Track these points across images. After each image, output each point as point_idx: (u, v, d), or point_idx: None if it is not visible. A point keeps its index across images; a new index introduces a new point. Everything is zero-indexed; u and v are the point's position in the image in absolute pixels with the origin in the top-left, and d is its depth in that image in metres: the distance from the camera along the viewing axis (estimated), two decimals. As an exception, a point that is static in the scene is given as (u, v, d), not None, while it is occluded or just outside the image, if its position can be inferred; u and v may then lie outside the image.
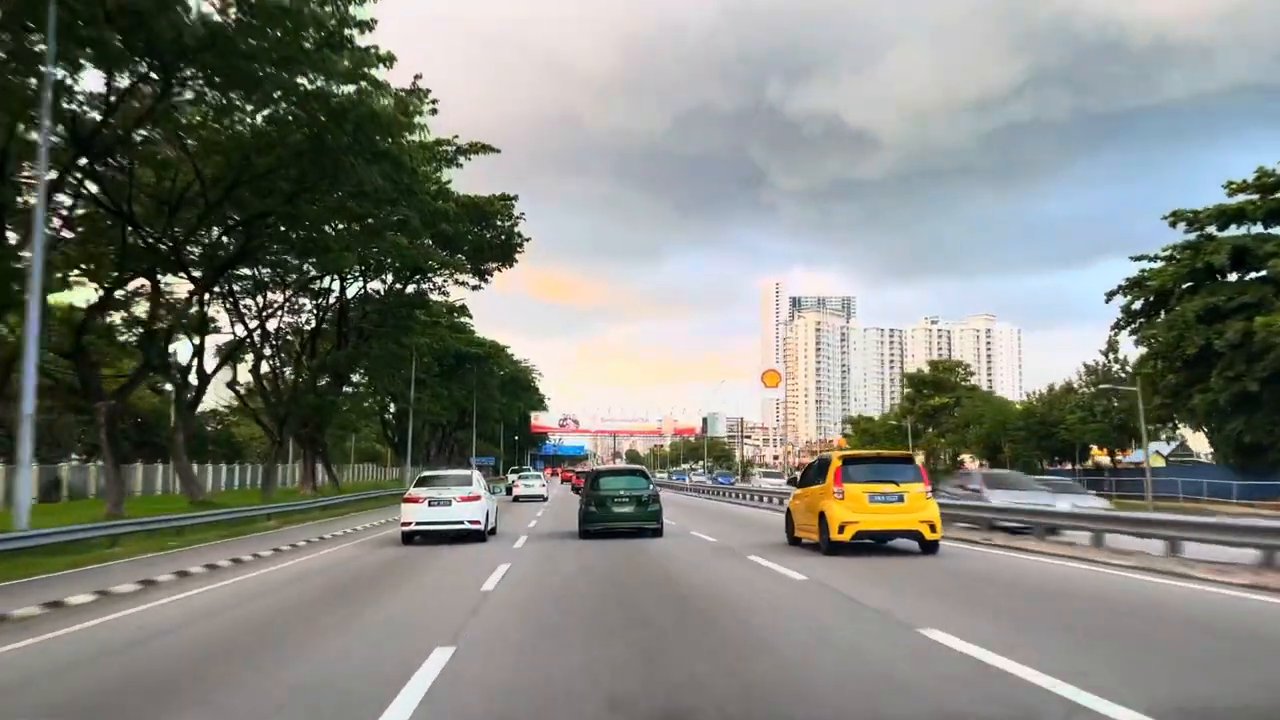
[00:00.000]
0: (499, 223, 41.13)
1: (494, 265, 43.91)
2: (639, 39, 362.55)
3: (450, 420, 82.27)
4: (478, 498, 18.35)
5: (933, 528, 14.58)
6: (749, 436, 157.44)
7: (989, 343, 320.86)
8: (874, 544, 15.40)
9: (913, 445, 62.37)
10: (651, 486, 19.33)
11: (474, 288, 46.58)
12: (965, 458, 59.75)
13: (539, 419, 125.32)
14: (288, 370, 43.12)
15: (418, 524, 17.93)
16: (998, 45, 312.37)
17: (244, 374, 41.30)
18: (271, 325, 42.04)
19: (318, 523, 27.47)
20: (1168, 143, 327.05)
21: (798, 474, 24.03)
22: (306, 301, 43.17)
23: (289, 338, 42.70)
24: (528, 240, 41.86)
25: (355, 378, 53.62)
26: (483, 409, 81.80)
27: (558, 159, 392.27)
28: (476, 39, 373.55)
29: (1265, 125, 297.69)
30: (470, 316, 65.28)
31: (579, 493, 22.70)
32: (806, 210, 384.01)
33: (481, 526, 18.15)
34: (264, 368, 40.68)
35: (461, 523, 17.82)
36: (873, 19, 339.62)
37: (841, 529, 14.51)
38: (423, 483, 18.96)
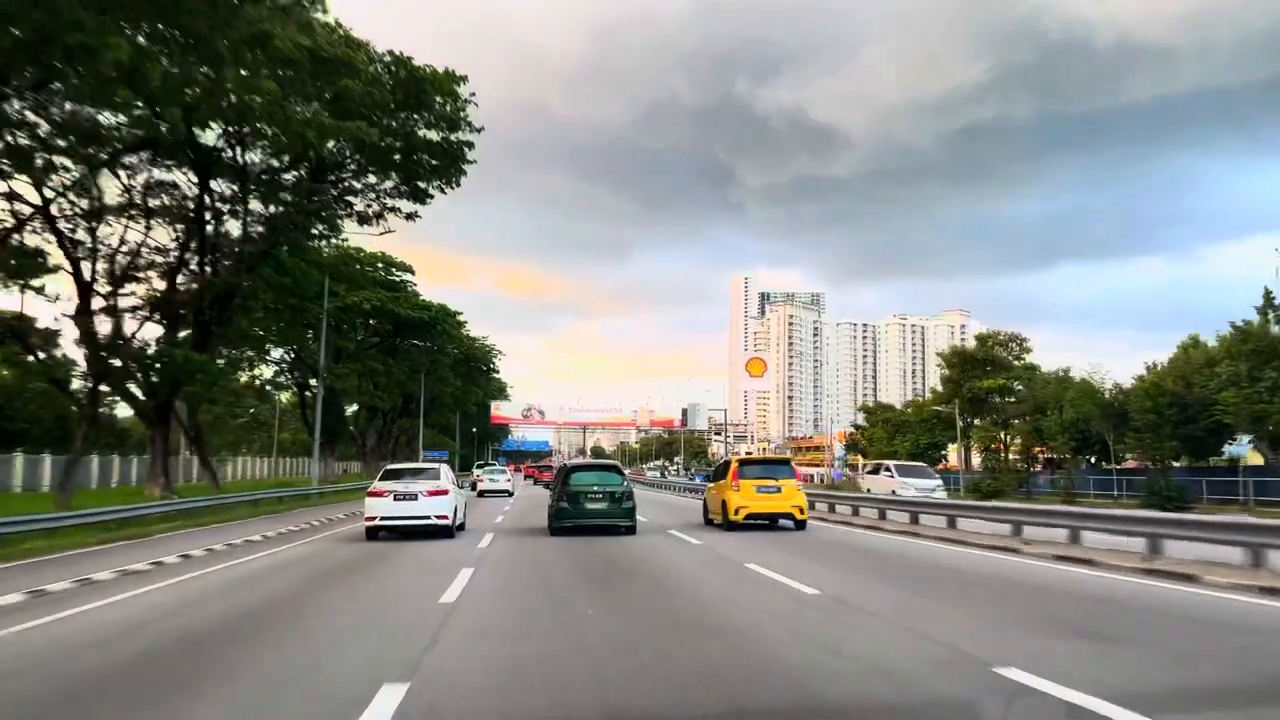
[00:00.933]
0: (440, 107, 28.15)
1: (434, 182, 31.02)
2: (608, 29, 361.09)
3: (393, 406, 68.93)
4: (445, 492, 17.48)
5: (801, 510, 19.96)
6: (718, 433, 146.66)
7: (963, 340, 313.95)
8: (766, 524, 20.33)
9: (963, 440, 51.13)
10: (625, 483, 18.94)
11: (409, 216, 33.53)
12: (1042, 452, 48.12)
13: (500, 409, 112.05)
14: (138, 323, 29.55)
15: (382, 519, 17.19)
16: (965, 44, 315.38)
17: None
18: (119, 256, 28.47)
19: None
20: (1130, 145, 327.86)
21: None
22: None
23: (136, 264, 28.75)
24: (479, 131, 29.00)
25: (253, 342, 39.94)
26: (432, 393, 68.63)
27: (525, 151, 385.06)
28: (444, 23, 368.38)
29: (1225, 128, 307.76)
30: (412, 274, 52.42)
31: (548, 488, 22.12)
32: (773, 208, 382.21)
33: (450, 522, 17.48)
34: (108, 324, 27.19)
35: (428, 518, 17.13)
36: (841, 16, 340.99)
37: (736, 511, 19.92)
38: (388, 476, 18.31)
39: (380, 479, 18.23)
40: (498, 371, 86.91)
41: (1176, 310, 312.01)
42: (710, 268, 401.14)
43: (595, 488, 18.29)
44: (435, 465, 19.53)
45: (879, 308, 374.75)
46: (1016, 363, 50.60)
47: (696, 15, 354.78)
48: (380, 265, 51.20)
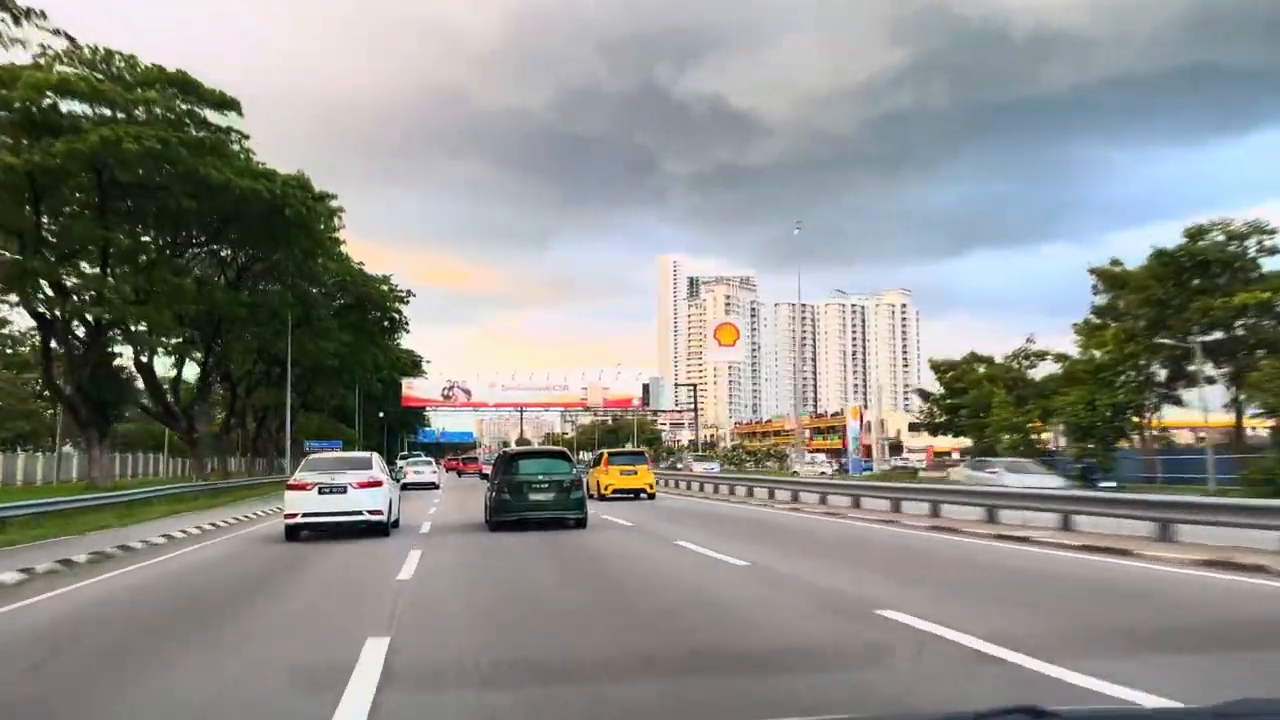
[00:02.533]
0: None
1: None
2: (528, 10, 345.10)
3: (250, 371, 45.49)
4: (379, 483, 15.67)
5: (651, 486, 29.15)
6: (661, 422, 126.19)
7: (904, 319, 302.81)
8: (629, 497, 27.86)
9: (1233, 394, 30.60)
10: (574, 470, 17.77)
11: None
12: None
13: (413, 389, 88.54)
14: None
15: (305, 515, 15.17)
16: (884, 30, 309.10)
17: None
18: None
19: None
20: (1044, 133, 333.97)
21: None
22: None
23: None
24: None
25: None
26: (307, 352, 45.41)
27: (442, 136, 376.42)
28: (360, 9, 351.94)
29: (1132, 117, 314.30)
30: (239, 114, 29.41)
31: (485, 479, 20.50)
32: (695, 197, 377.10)
33: (384, 517, 15.59)
34: None
35: (360, 513, 15.20)
36: (761, 1, 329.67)
37: (606, 488, 27.71)
38: (311, 466, 16.23)
39: (302, 469, 16.17)
40: (406, 327, 62.99)
41: (1079, 295, 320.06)
42: (633, 256, 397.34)
43: (541, 477, 16.81)
44: (366, 454, 17.63)
45: (803, 295, 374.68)
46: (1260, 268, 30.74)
47: None
48: (174, 90, 28.00)
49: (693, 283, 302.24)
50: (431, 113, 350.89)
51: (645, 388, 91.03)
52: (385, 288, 58.36)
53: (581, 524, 16.71)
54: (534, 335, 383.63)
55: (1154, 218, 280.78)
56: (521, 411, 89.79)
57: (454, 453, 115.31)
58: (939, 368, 46.31)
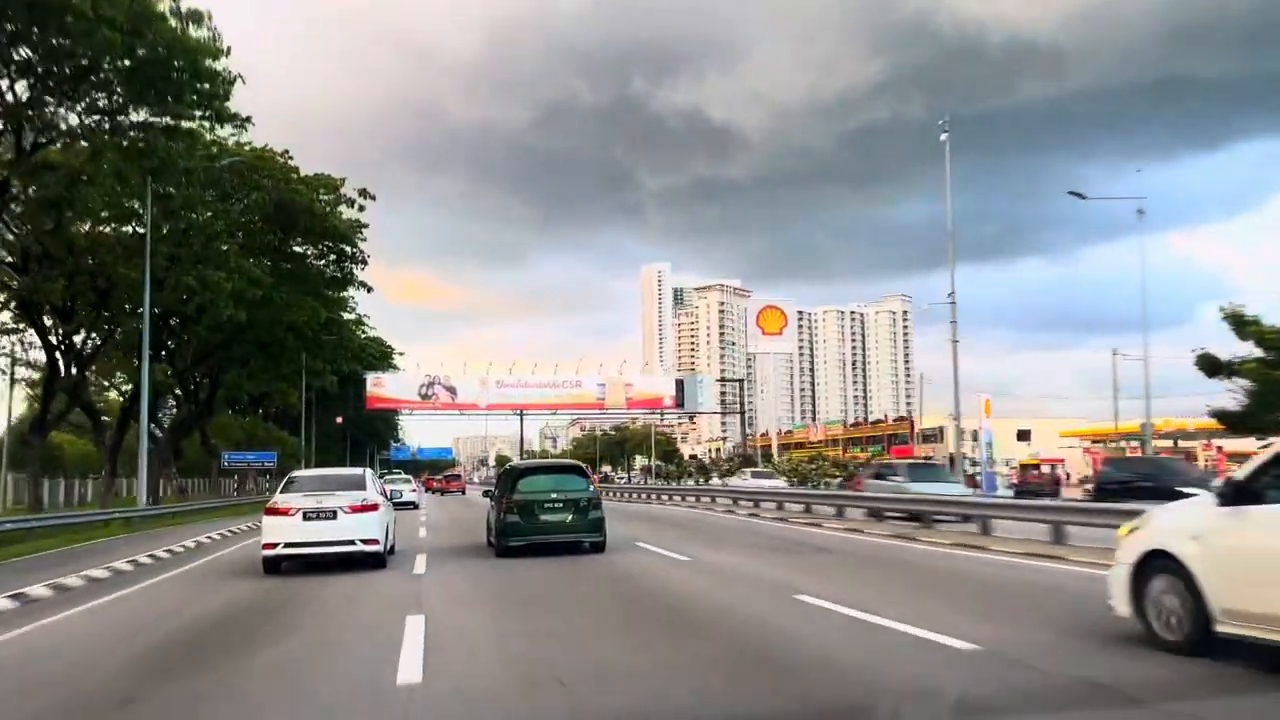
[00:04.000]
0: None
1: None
2: (503, 24, 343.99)
3: (71, 303, 25.54)
4: (375, 506, 13.11)
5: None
6: (672, 430, 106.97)
7: (906, 325, 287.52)
8: None
9: None
10: (591, 488, 15.15)
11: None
12: None
13: (382, 386, 68.74)
14: None
15: (287, 545, 12.63)
16: (860, 42, 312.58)
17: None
18: None
19: None
20: (1018, 148, 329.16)
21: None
22: None
23: None
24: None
25: None
26: (185, 288, 25.56)
27: (416, 151, 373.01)
28: (328, 10, 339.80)
29: (1105, 131, 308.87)
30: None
31: (490, 497, 16.64)
32: (671, 212, 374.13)
33: (380, 547, 13.05)
34: None
35: (353, 542, 12.71)
36: (736, 15, 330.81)
37: None
38: (293, 486, 13.69)
39: (283, 490, 13.57)
40: (363, 260, 41.29)
41: (1051, 310, 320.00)
42: (609, 272, 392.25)
43: (554, 495, 14.40)
44: (357, 471, 14.88)
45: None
46: None
47: (594, 11, 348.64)
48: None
49: (678, 293, 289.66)
50: (406, 127, 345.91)
51: (679, 384, 71.77)
52: (326, 198, 35.36)
53: (599, 548, 14.36)
54: (511, 353, 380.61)
55: (1125, 233, 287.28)
56: (522, 416, 70.02)
57: (430, 471, 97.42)
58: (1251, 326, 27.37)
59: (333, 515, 12.70)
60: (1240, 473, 5.95)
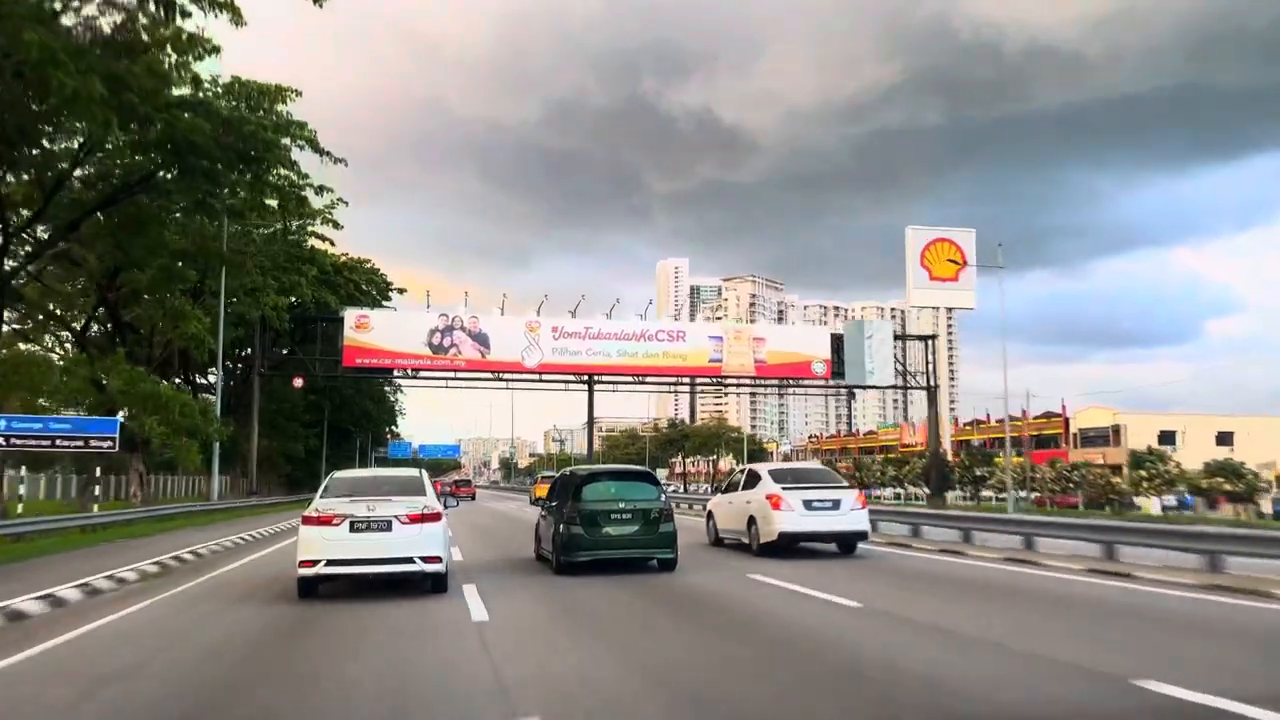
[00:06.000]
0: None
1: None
2: (513, 20, 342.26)
3: None
4: (438, 516, 10.64)
5: None
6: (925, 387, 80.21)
7: (950, 324, 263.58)
8: None
9: None
10: (663, 498, 13.43)
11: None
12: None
13: (369, 330, 43.15)
14: None
15: (330, 563, 10.17)
16: (875, 45, 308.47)
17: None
18: None
19: None
20: (1031, 155, 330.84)
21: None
22: None
23: None
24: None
25: None
26: None
27: (424, 149, 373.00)
28: (333, 5, 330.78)
29: (1121, 139, 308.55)
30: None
31: (540, 504, 16.04)
32: (679, 215, 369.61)
33: (443, 566, 10.63)
34: None
35: (411, 560, 10.30)
36: (753, 12, 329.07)
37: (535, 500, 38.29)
38: (334, 490, 10.94)
39: (324, 495, 10.79)
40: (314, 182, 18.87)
41: (1060, 323, 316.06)
42: (617, 274, 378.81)
43: (621, 504, 12.84)
44: (414, 473, 12.20)
45: (798, 315, 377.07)
46: None
47: (606, 9, 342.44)
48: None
49: (695, 290, 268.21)
50: (414, 124, 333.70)
51: (837, 340, 46.13)
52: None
53: (670, 566, 12.87)
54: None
55: (1135, 246, 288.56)
56: (591, 385, 44.14)
57: (432, 473, 72.03)
58: None
59: (387, 526, 10.25)
60: (723, 483, 19.58)
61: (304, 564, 10.19)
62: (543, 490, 50.55)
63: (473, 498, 54.46)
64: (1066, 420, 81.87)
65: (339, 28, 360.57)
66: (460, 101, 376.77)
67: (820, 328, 45.99)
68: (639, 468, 17.27)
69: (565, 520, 12.66)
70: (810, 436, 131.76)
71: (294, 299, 38.06)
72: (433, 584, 10.62)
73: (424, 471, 12.49)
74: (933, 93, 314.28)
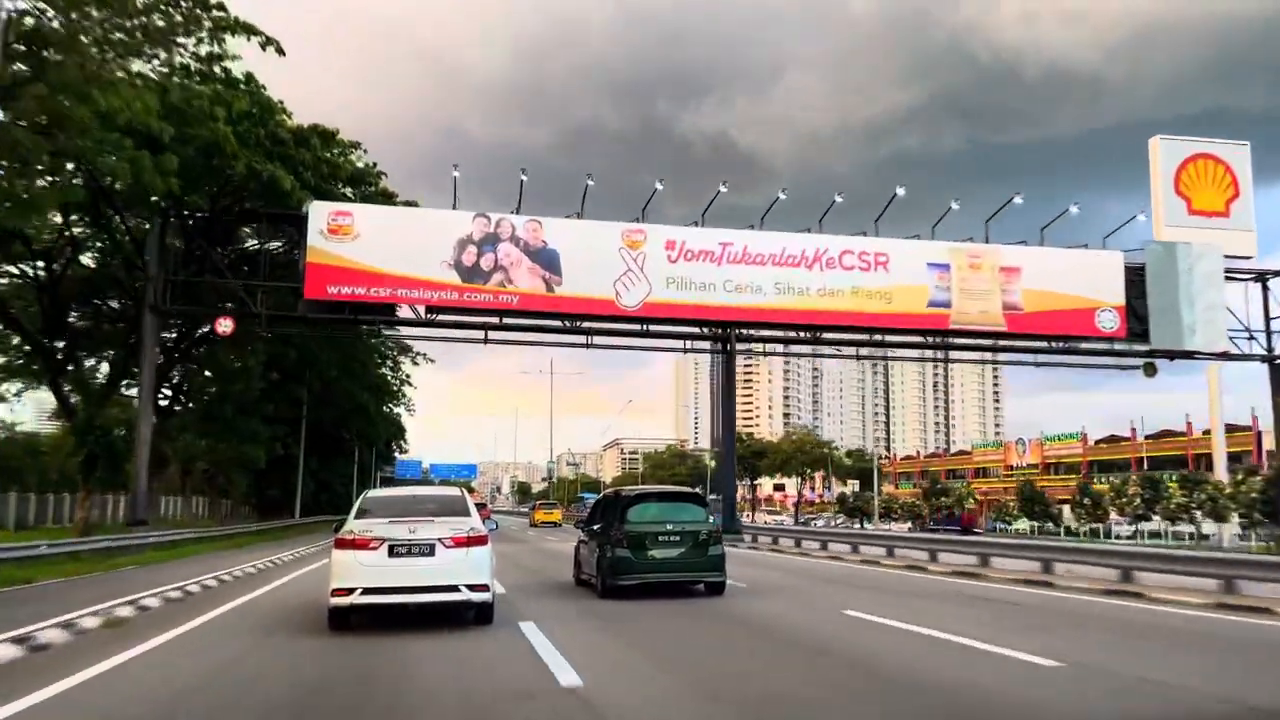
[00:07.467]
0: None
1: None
2: (531, 46, 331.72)
3: None
4: (484, 539, 9.71)
5: (559, 520, 48.85)
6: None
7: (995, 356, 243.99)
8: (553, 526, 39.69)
9: None
10: (712, 519, 13.13)
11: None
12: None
13: (351, 237, 24.67)
14: None
15: (366, 591, 9.17)
16: (893, 69, 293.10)
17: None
18: None
19: None
20: (1045, 181, 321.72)
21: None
22: None
23: None
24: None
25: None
26: None
27: (440, 175, 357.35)
28: (352, 27, 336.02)
29: (1144, 170, 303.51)
30: None
31: (583, 527, 15.40)
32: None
33: (490, 595, 9.78)
34: None
35: (456, 588, 9.45)
36: (770, 36, 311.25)
37: (538, 522, 49.68)
38: (371, 510, 9.93)
39: (358, 516, 9.84)
40: None
41: None
42: None
43: (669, 526, 12.55)
44: (455, 492, 11.53)
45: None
46: None
47: (624, 34, 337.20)
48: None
49: None
50: (431, 148, 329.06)
51: (1131, 276, 27.99)
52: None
53: (718, 590, 12.65)
54: (524, 381, 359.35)
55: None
56: (731, 338, 26.01)
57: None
58: None
59: (429, 550, 9.48)
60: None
61: (337, 593, 9.16)
62: (541, 515, 50.94)
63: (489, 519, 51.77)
64: (1259, 435, 63.37)
65: (371, 62, 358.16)
66: (478, 127, 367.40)
67: (1109, 253, 27.77)
68: (687, 489, 16.56)
69: (611, 543, 12.40)
70: (902, 456, 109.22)
71: (213, 161, 20.30)
72: (477, 614, 9.71)
73: (465, 490, 12.06)
74: (951, 117, 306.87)
